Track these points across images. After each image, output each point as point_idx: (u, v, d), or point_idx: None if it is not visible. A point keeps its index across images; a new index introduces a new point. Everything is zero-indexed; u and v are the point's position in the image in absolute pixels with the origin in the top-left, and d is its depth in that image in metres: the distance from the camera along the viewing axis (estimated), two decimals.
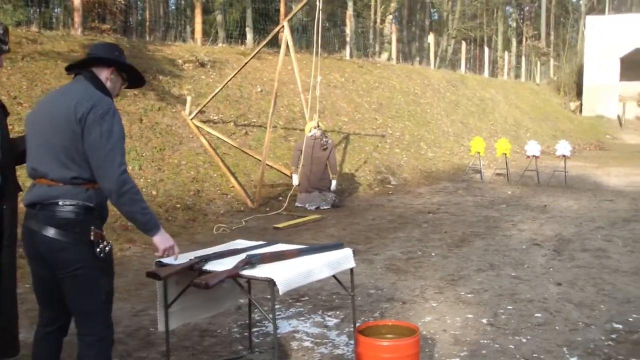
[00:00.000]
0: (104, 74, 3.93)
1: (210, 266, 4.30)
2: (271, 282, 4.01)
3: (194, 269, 4.27)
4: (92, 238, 3.68)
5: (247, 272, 4.17)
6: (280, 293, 4.00)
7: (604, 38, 36.90)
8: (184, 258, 4.41)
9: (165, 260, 4.24)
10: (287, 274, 4.11)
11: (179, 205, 11.48)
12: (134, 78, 4.18)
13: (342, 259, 4.70)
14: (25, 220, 3.77)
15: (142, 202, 3.77)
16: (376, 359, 4.26)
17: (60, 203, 3.64)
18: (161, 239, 3.93)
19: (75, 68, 4.00)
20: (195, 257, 4.37)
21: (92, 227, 3.69)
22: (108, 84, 3.94)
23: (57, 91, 3.95)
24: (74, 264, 3.68)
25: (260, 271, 4.17)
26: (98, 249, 3.70)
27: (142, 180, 11.60)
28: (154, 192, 11.46)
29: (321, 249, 4.79)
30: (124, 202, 3.68)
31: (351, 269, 4.82)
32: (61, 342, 4.06)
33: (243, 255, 4.37)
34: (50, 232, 3.63)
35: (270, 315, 4.13)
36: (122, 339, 5.65)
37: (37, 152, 3.75)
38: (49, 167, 3.68)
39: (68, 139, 3.65)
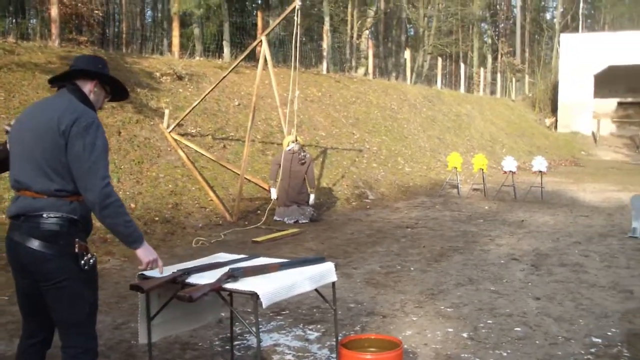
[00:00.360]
0: (88, 87, 3.93)
1: (193, 279, 4.28)
2: (254, 296, 4.00)
3: (177, 281, 4.26)
4: (76, 250, 3.66)
5: (230, 286, 4.16)
6: (264, 306, 3.99)
7: (577, 56, 37.28)
8: (166, 271, 4.39)
9: (148, 273, 4.21)
10: (270, 288, 4.11)
11: (157, 218, 11.43)
12: (117, 91, 4.17)
13: (324, 273, 4.71)
14: (9, 231, 3.74)
15: (126, 215, 3.75)
16: None
17: (44, 215, 3.62)
18: (144, 252, 3.91)
19: (59, 80, 3.98)
20: (178, 270, 4.36)
21: (77, 240, 3.67)
22: (91, 97, 3.94)
23: (40, 103, 3.93)
24: (58, 275, 3.65)
25: (243, 284, 4.17)
26: (82, 261, 3.68)
27: (120, 192, 11.53)
28: (133, 205, 11.40)
29: (303, 262, 4.79)
30: (107, 215, 3.66)
31: (333, 283, 4.83)
32: (44, 355, 4.02)
33: (226, 269, 4.36)
34: (35, 243, 3.61)
35: (254, 329, 4.12)
36: (104, 352, 5.60)
37: (20, 164, 3.73)
38: (32, 179, 3.67)
39: (51, 151, 3.63)
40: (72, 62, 4.01)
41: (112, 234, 9.63)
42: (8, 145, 3.93)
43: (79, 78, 3.92)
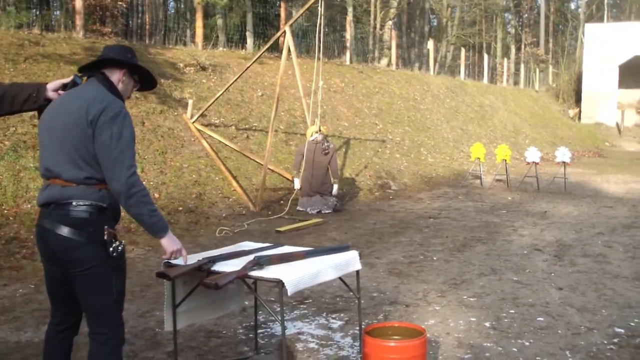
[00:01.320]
0: (116, 76, 3.95)
1: (218, 267, 4.33)
2: (280, 283, 4.04)
3: (203, 269, 4.30)
4: (105, 237, 3.70)
5: (255, 273, 4.21)
6: (289, 294, 4.04)
7: (602, 46, 36.98)
8: (190, 259, 4.45)
9: (173, 261, 4.26)
10: (295, 275, 4.15)
11: (181, 208, 11.51)
12: (145, 80, 4.20)
13: (348, 261, 4.74)
14: (39, 219, 3.78)
15: (151, 205, 3.79)
16: None
17: (73, 203, 3.66)
18: (169, 242, 3.97)
19: (88, 69, 4.01)
20: (204, 258, 4.41)
21: (105, 227, 3.71)
22: (120, 86, 3.97)
23: (70, 93, 3.95)
24: (87, 262, 3.70)
25: (268, 272, 4.21)
26: (111, 248, 3.72)
27: (144, 182, 11.58)
28: (157, 195, 11.48)
29: (328, 251, 4.83)
30: (132, 204, 3.70)
31: (357, 272, 4.86)
32: (72, 341, 4.08)
33: (251, 257, 4.41)
34: (64, 230, 3.65)
35: (279, 316, 4.17)
36: (129, 339, 5.66)
37: (51, 153, 3.76)
38: (62, 167, 3.71)
39: (80, 140, 3.68)
40: (102, 52, 4.04)
41: (136, 224, 9.77)
42: (39, 135, 3.97)
43: (107, 67, 3.95)
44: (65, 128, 3.72)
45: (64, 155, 3.71)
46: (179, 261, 4.18)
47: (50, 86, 3.96)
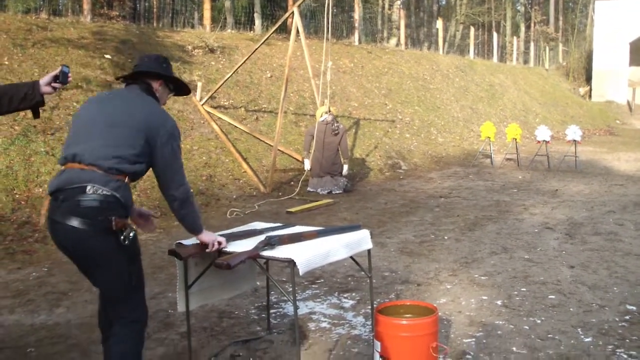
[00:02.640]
0: (154, 86, 4.18)
1: (230, 247, 4.35)
2: (291, 263, 4.06)
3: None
4: (114, 227, 3.73)
5: (267, 253, 4.23)
6: (301, 273, 4.06)
7: (613, 22, 36.71)
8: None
9: (185, 241, 4.39)
10: (306, 255, 4.17)
11: (192, 190, 11.52)
12: (179, 88, 4.42)
13: (359, 241, 4.75)
14: (50, 213, 3.82)
15: (196, 207, 4.21)
16: (395, 338, 4.30)
17: (88, 188, 3.69)
18: (207, 237, 4.29)
19: (128, 79, 4.23)
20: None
21: (113, 217, 3.73)
22: (157, 95, 4.19)
23: (113, 94, 4.20)
24: (100, 252, 3.74)
25: (280, 252, 4.23)
26: (122, 237, 3.76)
27: None
28: None
29: (339, 230, 4.83)
30: (186, 207, 4.09)
31: (368, 251, 4.87)
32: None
33: (262, 237, 4.42)
34: (75, 222, 3.67)
35: (291, 296, 4.18)
36: None
37: (84, 141, 3.85)
38: (91, 154, 3.79)
39: (126, 138, 3.86)
40: (137, 62, 4.25)
41: (147, 205, 9.76)
42: (72, 125, 4.04)
43: (146, 77, 4.18)
44: (110, 127, 3.88)
45: (100, 145, 3.82)
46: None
47: (43, 81, 4.04)
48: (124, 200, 3.81)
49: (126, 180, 3.82)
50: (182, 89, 4.43)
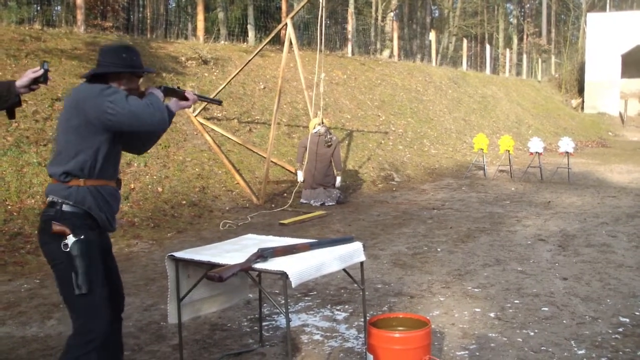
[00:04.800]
0: (116, 82, 4.01)
1: (222, 260, 4.33)
2: (284, 275, 4.04)
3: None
4: (52, 230, 3.77)
5: (259, 266, 4.21)
6: (293, 286, 4.04)
7: (605, 35, 36.90)
8: (196, 253, 4.48)
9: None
10: (299, 267, 4.15)
11: (184, 202, 11.52)
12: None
13: (352, 253, 4.74)
14: None
15: (157, 102, 3.88)
16: (388, 351, 4.28)
17: (48, 199, 3.88)
18: (177, 104, 4.18)
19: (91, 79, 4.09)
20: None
21: (53, 222, 3.77)
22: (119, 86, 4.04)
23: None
24: (51, 259, 3.84)
25: (272, 264, 4.21)
26: (62, 244, 3.76)
27: (147, 177, 11.64)
28: (160, 189, 11.49)
29: (332, 242, 4.82)
30: (158, 114, 3.83)
31: (361, 263, 4.86)
32: (115, 325, 4.16)
33: (255, 249, 4.40)
34: (39, 230, 3.89)
35: (283, 309, 4.16)
36: (133, 333, 5.69)
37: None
38: (49, 166, 3.96)
39: (67, 134, 3.86)
40: (98, 58, 4.09)
41: (140, 218, 9.76)
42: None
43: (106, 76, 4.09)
44: (59, 130, 3.96)
45: (54, 154, 3.99)
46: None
47: (20, 82, 3.92)
48: (79, 208, 3.83)
49: (82, 183, 3.81)
50: (148, 69, 4.31)
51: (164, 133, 4.19)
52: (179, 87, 4.31)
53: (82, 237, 3.78)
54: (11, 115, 4.09)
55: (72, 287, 3.75)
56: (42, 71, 3.92)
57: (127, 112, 3.69)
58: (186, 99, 4.20)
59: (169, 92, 4.16)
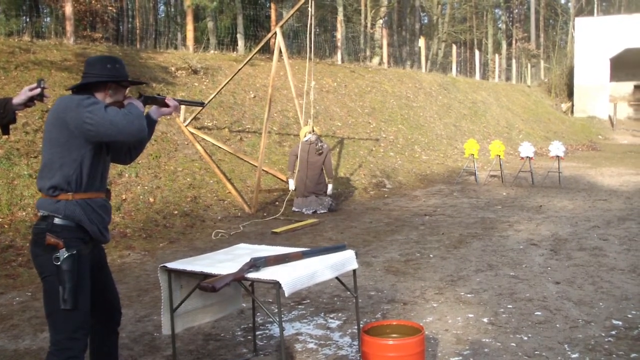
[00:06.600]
0: (103, 92, 4.06)
1: (215, 270, 4.33)
2: (277, 284, 4.05)
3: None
4: (46, 242, 3.78)
5: (252, 275, 4.21)
6: (286, 295, 4.05)
7: (593, 39, 37.06)
8: (188, 263, 4.48)
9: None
10: (292, 276, 4.16)
11: (176, 212, 11.51)
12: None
13: (344, 261, 4.75)
14: None
15: (137, 112, 3.91)
16: (382, 358, 4.29)
17: (39, 213, 3.93)
18: (158, 111, 4.27)
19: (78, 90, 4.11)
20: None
21: (47, 234, 3.79)
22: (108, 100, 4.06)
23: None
24: (41, 271, 3.86)
25: (265, 274, 4.22)
26: (53, 257, 3.77)
27: (139, 187, 11.62)
28: (151, 199, 11.48)
29: (324, 250, 4.83)
30: (138, 123, 3.86)
31: (354, 271, 4.87)
32: (110, 338, 4.22)
33: (248, 259, 4.40)
34: (31, 242, 3.91)
35: (277, 318, 4.17)
36: (127, 344, 5.68)
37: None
38: (38, 181, 3.99)
39: (51, 146, 3.90)
40: (84, 68, 4.12)
41: (132, 229, 9.74)
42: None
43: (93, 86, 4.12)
44: (44, 142, 4.00)
45: (41, 169, 4.03)
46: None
47: (17, 100, 3.92)
48: (71, 221, 3.84)
49: (71, 197, 3.83)
50: (134, 81, 4.32)
51: (154, 143, 4.23)
52: (159, 94, 4.34)
53: (75, 252, 3.79)
54: (5, 131, 4.10)
55: (58, 301, 3.76)
56: (39, 90, 3.91)
57: (105, 121, 3.71)
58: (167, 105, 4.25)
59: (149, 100, 4.21)
